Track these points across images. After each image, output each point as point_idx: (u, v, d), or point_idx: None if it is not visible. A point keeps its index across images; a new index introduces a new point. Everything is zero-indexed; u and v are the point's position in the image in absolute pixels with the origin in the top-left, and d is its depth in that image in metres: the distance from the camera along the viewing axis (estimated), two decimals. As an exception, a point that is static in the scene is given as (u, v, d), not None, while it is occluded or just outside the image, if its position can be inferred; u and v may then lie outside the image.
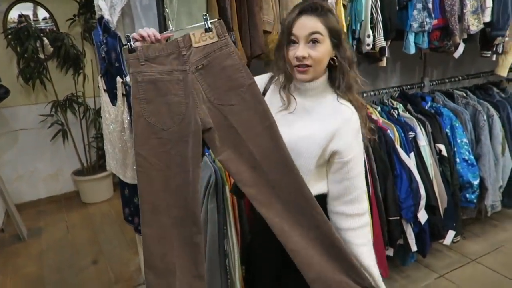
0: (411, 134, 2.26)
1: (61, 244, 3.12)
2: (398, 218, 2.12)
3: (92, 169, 3.94)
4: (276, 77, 1.34)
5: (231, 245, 1.80)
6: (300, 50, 1.20)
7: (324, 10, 1.21)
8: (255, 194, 1.20)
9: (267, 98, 1.32)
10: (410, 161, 2.19)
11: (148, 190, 1.23)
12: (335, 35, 1.23)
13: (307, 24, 1.19)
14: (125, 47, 1.24)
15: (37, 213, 3.70)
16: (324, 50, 1.21)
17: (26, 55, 3.48)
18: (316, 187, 1.25)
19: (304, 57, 1.20)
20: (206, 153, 1.87)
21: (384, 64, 2.24)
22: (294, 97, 1.28)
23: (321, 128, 1.21)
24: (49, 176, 4.00)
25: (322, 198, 1.28)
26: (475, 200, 2.42)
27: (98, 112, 3.90)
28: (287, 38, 1.23)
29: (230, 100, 1.22)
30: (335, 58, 1.25)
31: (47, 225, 3.46)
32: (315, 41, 1.20)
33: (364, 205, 1.26)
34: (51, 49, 3.71)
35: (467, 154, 2.40)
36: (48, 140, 3.88)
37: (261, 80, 1.39)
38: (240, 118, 1.21)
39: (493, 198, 2.52)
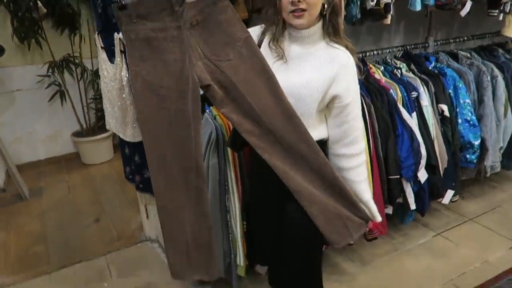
0: (414, 94, 2.23)
1: (62, 204, 3.15)
2: (398, 177, 2.13)
3: (91, 131, 3.93)
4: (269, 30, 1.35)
5: (232, 201, 1.81)
6: None
7: None
8: (258, 142, 1.23)
9: (262, 50, 1.32)
10: (412, 120, 2.18)
11: (152, 144, 1.26)
12: None
13: None
14: (114, 4, 1.20)
15: (37, 174, 3.71)
16: None
17: (19, 14, 3.38)
18: (316, 132, 1.31)
19: (299, 1, 1.22)
20: (207, 110, 1.85)
21: (389, 22, 2.18)
22: (287, 47, 1.31)
23: (320, 74, 1.25)
24: (48, 137, 3.98)
25: (323, 143, 1.35)
26: (475, 161, 2.43)
27: (95, 73, 3.84)
28: None
29: (227, 55, 1.21)
30: (326, 3, 1.28)
31: (48, 185, 3.49)
32: None
33: (361, 145, 1.35)
34: (45, 10, 3.60)
35: (469, 114, 2.39)
36: (46, 101, 3.84)
37: (253, 33, 1.38)
38: (238, 72, 1.22)
39: (493, 159, 2.53)
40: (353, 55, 1.31)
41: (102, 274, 2.28)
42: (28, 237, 2.71)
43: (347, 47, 1.31)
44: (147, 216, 2.49)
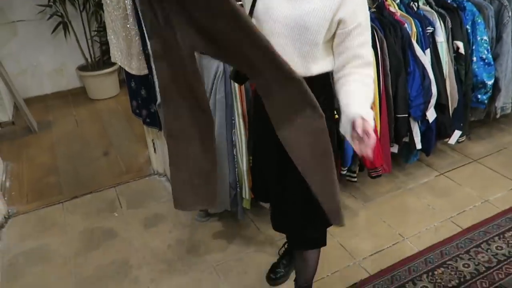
0: (429, 29, 2.14)
1: (71, 137, 3.20)
2: (406, 115, 2.11)
3: (96, 65, 3.87)
4: None
5: (239, 135, 1.82)
6: None
7: None
8: (257, 86, 1.20)
9: None
10: (425, 57, 2.11)
11: (161, 81, 1.24)
12: None
13: None
14: None
15: (45, 108, 3.73)
16: None
17: None
18: (321, 64, 1.24)
19: None
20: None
21: None
22: None
23: (326, 1, 1.16)
24: (53, 71, 3.95)
25: (327, 76, 1.28)
26: (486, 101, 2.38)
27: (99, 4, 3.69)
28: None
29: (215, 24, 1.11)
30: None
31: (56, 119, 3.52)
32: None
33: (370, 71, 1.22)
34: None
35: (485, 52, 2.30)
36: (49, 33, 3.75)
37: None
38: (228, 37, 1.13)
39: (504, 100, 2.47)
40: None
41: (113, 205, 2.37)
42: (40, 168, 2.78)
43: None
44: (155, 150, 2.53)
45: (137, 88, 2.33)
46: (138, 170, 2.69)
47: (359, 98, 1.17)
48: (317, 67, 1.24)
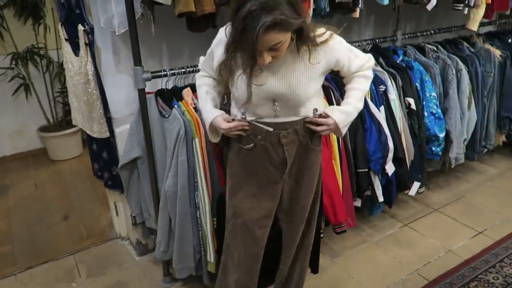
0: (382, 88, 2.27)
1: (29, 201, 3.06)
2: (366, 170, 2.17)
3: (59, 125, 3.81)
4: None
5: (202, 197, 1.80)
6: (264, 59, 1.23)
7: (283, 20, 1.15)
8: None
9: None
10: (380, 114, 2.22)
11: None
12: (294, 30, 1.25)
13: (271, 40, 1.18)
14: None
15: (2, 171, 3.58)
16: (286, 45, 1.24)
17: (-22, 2, 3.22)
18: (314, 102, 1.43)
19: (274, 56, 1.25)
20: (175, 105, 1.83)
21: (357, 15, 2.20)
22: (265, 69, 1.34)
23: (309, 70, 1.34)
24: (13, 132, 3.84)
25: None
26: (440, 153, 2.50)
27: (62, 66, 3.71)
28: (250, 51, 1.19)
29: None
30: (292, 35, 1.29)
31: (14, 182, 3.37)
32: (277, 45, 1.21)
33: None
34: (5, -2, 3.44)
35: (435, 107, 2.45)
36: (10, 94, 3.69)
37: (220, 44, 1.36)
38: None
39: (457, 151, 2.61)
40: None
41: (71, 274, 2.23)
42: (-8, 237, 2.62)
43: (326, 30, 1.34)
44: (117, 214, 2.45)
45: (98, 151, 2.30)
46: (99, 234, 2.58)
47: (344, 105, 1.47)
48: (310, 106, 1.41)
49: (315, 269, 1.93)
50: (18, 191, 3.23)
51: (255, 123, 1.41)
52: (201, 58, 1.55)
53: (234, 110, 1.45)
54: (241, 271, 1.56)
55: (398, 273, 2.09)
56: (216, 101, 1.52)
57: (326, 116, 1.42)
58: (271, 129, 1.40)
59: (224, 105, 1.53)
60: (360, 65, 1.45)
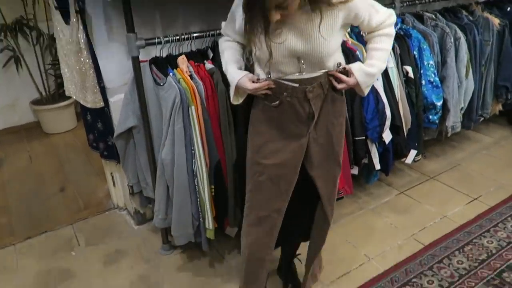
0: (380, 55, 2.24)
1: (24, 174, 3.05)
2: (363, 138, 2.17)
3: (51, 98, 3.76)
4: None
5: (199, 165, 1.80)
6: (273, 17, 1.24)
7: None
8: None
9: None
10: (377, 82, 2.20)
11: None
12: None
13: None
14: None
15: (-4, 145, 3.56)
16: (295, 3, 1.23)
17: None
18: (337, 55, 1.43)
19: (284, 19, 1.27)
20: (170, 73, 1.79)
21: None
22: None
23: (331, 28, 1.33)
24: (5, 106, 3.79)
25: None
26: (437, 121, 2.50)
27: (52, 38, 3.61)
28: (260, 9, 1.22)
29: None
30: None
31: (8, 155, 3.35)
32: (285, 3, 1.21)
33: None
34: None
35: (433, 76, 2.43)
36: (0, 67, 3.61)
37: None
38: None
39: (454, 120, 2.61)
40: None
41: (70, 243, 2.25)
42: (-11, 209, 2.62)
43: None
44: (114, 184, 2.45)
45: (93, 122, 2.27)
46: (97, 205, 2.59)
47: (369, 66, 1.45)
48: (333, 60, 1.41)
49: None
50: (13, 164, 3.21)
51: (280, 81, 1.41)
52: (223, 24, 1.54)
53: (258, 69, 1.45)
54: (262, 229, 1.54)
55: (394, 238, 2.13)
56: (241, 63, 1.51)
57: (350, 73, 1.44)
58: (296, 85, 1.40)
59: (251, 67, 1.53)
60: (380, 21, 1.41)
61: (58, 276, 2.01)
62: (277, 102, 1.44)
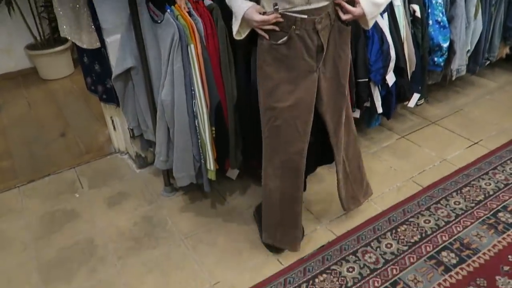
0: (387, -7, 2.14)
1: (24, 120, 3.03)
2: (366, 80, 2.12)
3: (47, 43, 3.65)
4: None
5: (200, 106, 1.77)
6: None
7: None
8: None
9: None
10: (383, 22, 2.11)
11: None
12: None
13: None
14: None
15: (-7, 91, 3.51)
16: None
17: None
18: None
19: None
20: (168, 10, 1.72)
21: None
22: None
23: None
24: (0, 51, 3.69)
25: None
26: (442, 64, 2.44)
27: (43, -23, 3.47)
28: None
29: None
30: None
31: (6, 102, 3.31)
32: None
33: None
34: None
35: (441, 15, 2.34)
36: (-9, 10, 3.49)
37: None
38: None
39: (459, 62, 2.54)
40: None
41: (73, 186, 2.28)
42: (-9, 154, 2.63)
43: None
44: (114, 128, 2.44)
45: (90, 63, 2.22)
46: (98, 150, 2.60)
47: None
48: None
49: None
50: (11, 110, 3.18)
51: (288, 13, 1.36)
52: None
53: (264, 2, 1.39)
54: (288, 174, 1.57)
55: (393, 181, 2.15)
56: None
57: (356, 2, 1.40)
58: (305, 16, 1.36)
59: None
60: None
61: (63, 216, 2.06)
62: (285, 38, 1.39)
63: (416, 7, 2.27)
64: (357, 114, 2.24)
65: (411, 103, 2.39)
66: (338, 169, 1.71)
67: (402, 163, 2.29)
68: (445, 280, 1.57)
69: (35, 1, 3.55)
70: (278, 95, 1.46)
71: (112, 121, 2.41)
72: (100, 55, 2.10)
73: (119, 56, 1.90)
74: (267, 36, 1.42)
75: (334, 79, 1.51)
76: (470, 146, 2.39)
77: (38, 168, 2.44)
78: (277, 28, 1.39)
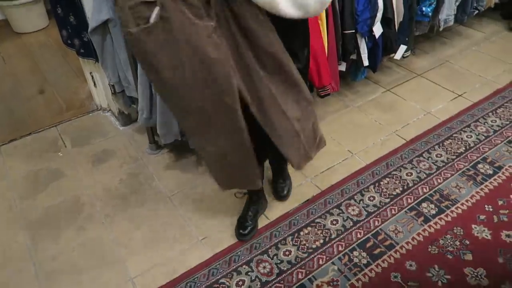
0: None
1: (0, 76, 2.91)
2: (353, 31, 2.07)
3: (17, -7, 3.43)
4: None
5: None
6: None
7: None
8: None
9: None
10: (371, -31, 2.03)
11: None
12: None
13: None
14: None
15: (-36, 45, 3.33)
16: None
17: None
18: None
19: None
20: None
21: None
22: None
23: None
24: (-34, 2, 3.46)
25: None
26: (430, 14, 2.38)
27: None
28: None
29: None
30: None
31: (-21, 57, 3.17)
32: None
33: None
34: None
35: (430, -37, 2.25)
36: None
37: None
38: None
39: (447, 12, 2.49)
40: None
41: (56, 145, 2.24)
42: (-33, 112, 2.54)
43: None
44: (95, 84, 2.36)
45: (64, 15, 2.10)
46: (79, 107, 2.53)
47: None
48: None
49: None
50: (-15, 65, 3.05)
51: None
52: None
53: None
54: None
55: (377, 135, 2.17)
56: None
57: None
58: None
59: None
60: None
61: (47, 175, 2.04)
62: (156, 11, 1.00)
63: (406, -47, 2.18)
64: (343, 67, 2.21)
65: (398, 55, 2.36)
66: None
67: (387, 116, 2.30)
68: (424, 230, 1.64)
69: None
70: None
71: (92, 77, 2.33)
72: (74, 5, 1.98)
73: (94, 7, 1.80)
74: None
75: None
76: (454, 99, 2.40)
77: (18, 127, 2.39)
78: None
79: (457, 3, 2.54)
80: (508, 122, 2.17)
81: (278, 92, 1.29)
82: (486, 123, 2.18)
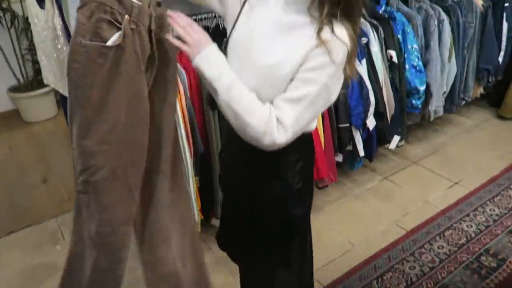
0: (364, 40, 2.22)
1: (5, 165, 2.97)
2: (348, 125, 2.17)
3: (30, 85, 3.64)
4: None
5: (184, 157, 1.78)
6: None
7: None
8: None
9: None
10: (362, 68, 2.19)
11: None
12: None
13: None
14: None
15: (-26, 134, 3.45)
16: None
17: None
18: None
19: None
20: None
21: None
22: None
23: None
24: (-19, 94, 3.66)
25: None
26: (420, 106, 2.52)
27: (27, 21, 3.48)
28: None
29: None
30: None
31: (-13, 145, 3.26)
32: None
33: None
34: None
35: (416, 60, 2.43)
36: (-27, 53, 3.48)
37: None
38: None
39: (436, 104, 2.63)
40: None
41: (54, 237, 2.22)
42: (-31, 202, 2.56)
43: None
44: (97, 175, 2.41)
45: (73, 112, 2.21)
46: (81, 196, 2.55)
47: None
48: None
49: None
50: (-8, 154, 3.13)
51: None
52: None
53: None
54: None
55: (377, 225, 2.17)
56: None
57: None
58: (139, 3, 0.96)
59: None
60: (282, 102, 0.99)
61: (44, 271, 1.99)
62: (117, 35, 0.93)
63: (393, 53, 2.36)
64: (339, 158, 2.28)
65: (392, 145, 2.45)
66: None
67: (386, 205, 2.31)
68: (432, 331, 1.57)
69: (19, 44, 3.56)
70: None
71: (95, 168, 2.38)
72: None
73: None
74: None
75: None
76: (451, 187, 2.44)
77: (18, 218, 2.39)
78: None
79: (445, 95, 2.70)
80: (506, 211, 2.18)
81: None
82: (485, 212, 2.19)
